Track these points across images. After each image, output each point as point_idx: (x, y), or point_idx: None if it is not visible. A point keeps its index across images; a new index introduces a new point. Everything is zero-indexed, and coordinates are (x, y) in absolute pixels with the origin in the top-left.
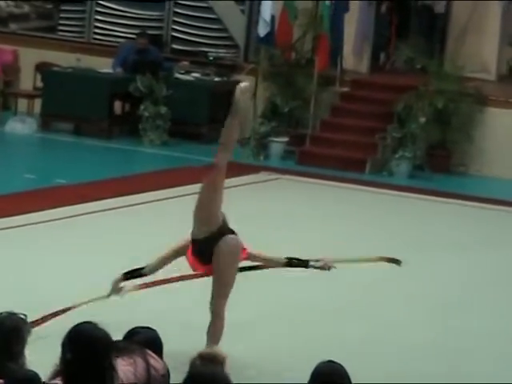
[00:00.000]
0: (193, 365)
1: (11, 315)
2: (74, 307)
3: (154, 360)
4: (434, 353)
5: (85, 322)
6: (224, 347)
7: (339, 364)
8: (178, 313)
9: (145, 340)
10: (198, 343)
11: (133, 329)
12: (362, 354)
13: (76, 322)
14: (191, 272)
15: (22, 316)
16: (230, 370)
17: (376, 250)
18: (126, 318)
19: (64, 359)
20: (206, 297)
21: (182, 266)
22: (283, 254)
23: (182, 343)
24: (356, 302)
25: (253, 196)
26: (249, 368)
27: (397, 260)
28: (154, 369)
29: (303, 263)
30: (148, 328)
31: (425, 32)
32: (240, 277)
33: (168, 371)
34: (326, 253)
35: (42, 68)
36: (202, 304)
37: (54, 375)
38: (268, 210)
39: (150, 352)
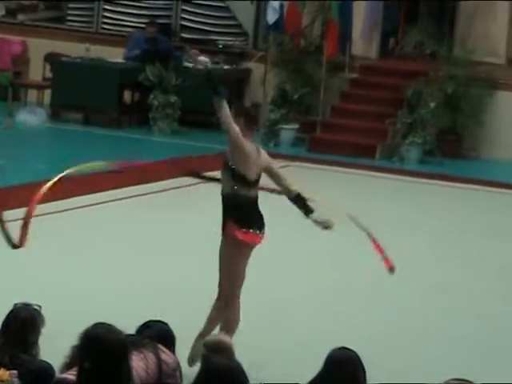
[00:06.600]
0: (205, 357)
1: (26, 306)
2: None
3: (164, 354)
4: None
5: (97, 325)
6: None
7: (353, 351)
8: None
9: (157, 334)
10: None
11: (145, 322)
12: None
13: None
14: None
15: (37, 307)
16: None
17: (386, 234)
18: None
19: (81, 368)
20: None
21: None
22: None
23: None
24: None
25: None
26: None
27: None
28: (165, 363)
29: (306, 211)
30: (160, 322)
31: (434, 17)
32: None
33: (179, 365)
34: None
35: (51, 58)
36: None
37: (65, 367)
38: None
39: (161, 346)
